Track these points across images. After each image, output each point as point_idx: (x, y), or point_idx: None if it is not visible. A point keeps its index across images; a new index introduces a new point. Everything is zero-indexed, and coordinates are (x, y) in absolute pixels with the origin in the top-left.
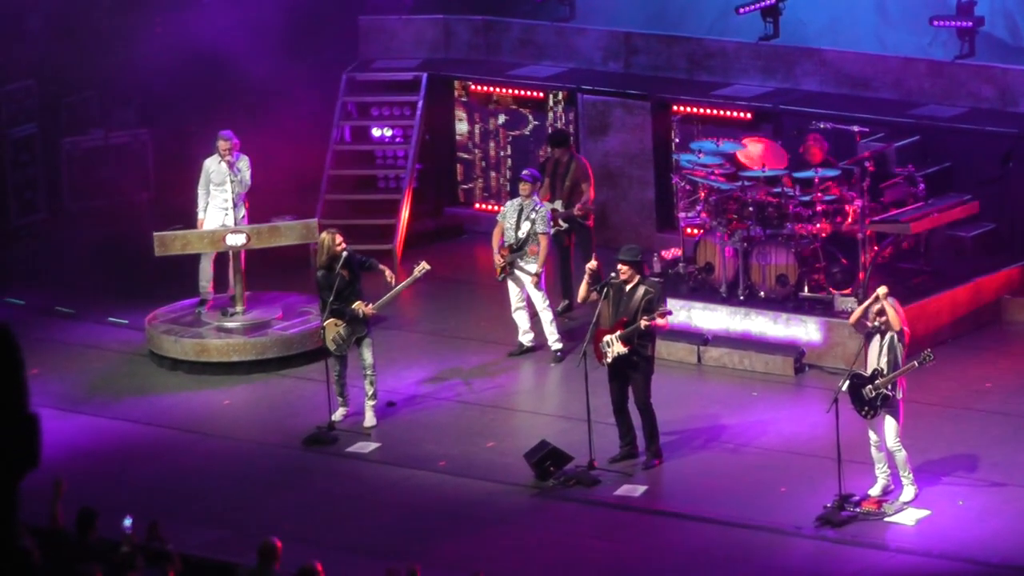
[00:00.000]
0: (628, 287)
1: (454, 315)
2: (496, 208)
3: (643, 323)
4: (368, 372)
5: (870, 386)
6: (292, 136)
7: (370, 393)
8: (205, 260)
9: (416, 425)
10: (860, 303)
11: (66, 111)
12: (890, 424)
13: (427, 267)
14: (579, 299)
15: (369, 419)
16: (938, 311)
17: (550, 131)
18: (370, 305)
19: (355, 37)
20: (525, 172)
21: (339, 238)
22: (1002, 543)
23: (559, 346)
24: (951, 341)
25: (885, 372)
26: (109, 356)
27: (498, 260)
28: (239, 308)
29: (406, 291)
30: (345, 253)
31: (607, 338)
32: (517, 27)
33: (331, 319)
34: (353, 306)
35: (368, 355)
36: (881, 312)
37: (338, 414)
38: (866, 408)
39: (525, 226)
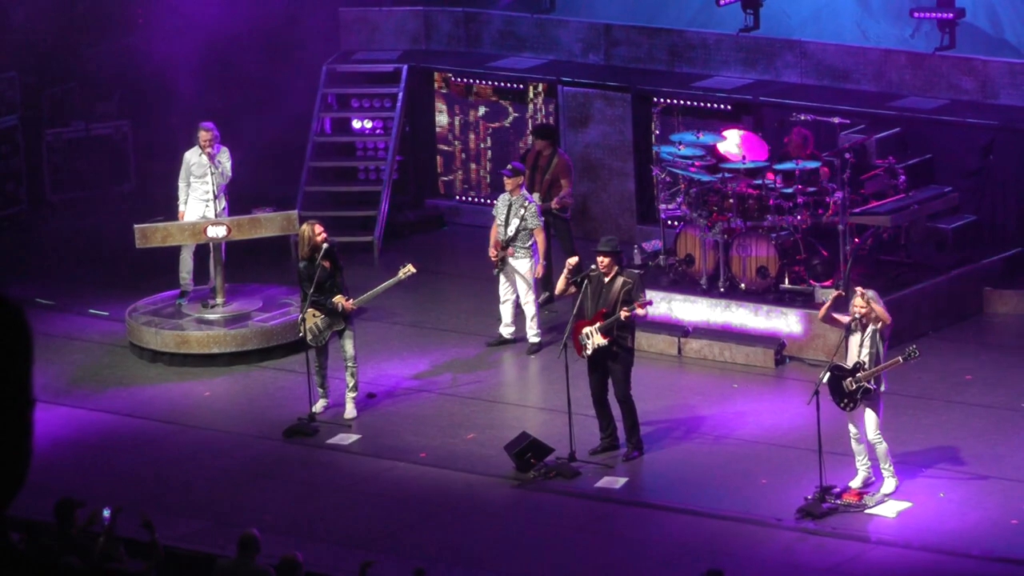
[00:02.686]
0: (606, 279)
1: (435, 307)
2: (476, 200)
3: (623, 314)
4: (349, 364)
5: (851, 379)
6: (273, 127)
7: (351, 385)
8: (186, 252)
9: (397, 417)
10: (841, 295)
11: (48, 103)
12: (871, 417)
13: (412, 270)
14: (557, 292)
15: (350, 411)
16: (918, 303)
17: (534, 125)
18: (351, 300)
19: (336, 28)
20: (508, 167)
21: (319, 228)
22: (982, 535)
23: (537, 340)
24: (932, 333)
25: (867, 365)
26: (90, 348)
27: (491, 254)
28: (219, 300)
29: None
30: (326, 244)
31: (586, 330)
32: (498, 19)
33: (310, 310)
34: (333, 299)
35: (349, 347)
36: (863, 304)
37: (319, 406)
38: (846, 400)
39: (514, 223)
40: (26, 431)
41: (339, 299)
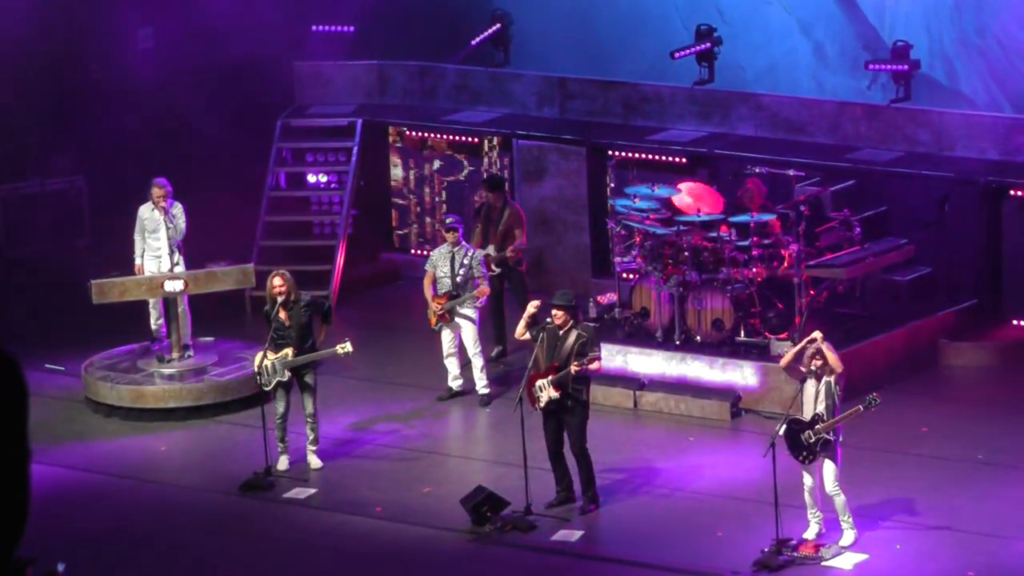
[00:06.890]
0: (561, 332)
1: (390, 361)
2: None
3: (573, 368)
4: (309, 420)
5: (809, 431)
6: (228, 182)
7: (311, 439)
8: (152, 300)
9: (352, 471)
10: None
11: (2, 158)
12: (829, 468)
13: (350, 349)
14: (516, 335)
15: (315, 463)
16: (874, 355)
17: (485, 176)
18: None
19: (291, 82)
20: (449, 220)
21: (277, 281)
22: None
23: (486, 391)
24: (887, 386)
25: (825, 417)
26: (46, 402)
27: (436, 308)
28: (175, 355)
29: (338, 340)
30: (280, 298)
31: (539, 383)
32: (452, 73)
33: (265, 350)
34: (281, 352)
35: (309, 405)
36: (818, 355)
37: (282, 463)
38: (804, 453)
39: (461, 271)
40: (24, 482)
41: (286, 351)
